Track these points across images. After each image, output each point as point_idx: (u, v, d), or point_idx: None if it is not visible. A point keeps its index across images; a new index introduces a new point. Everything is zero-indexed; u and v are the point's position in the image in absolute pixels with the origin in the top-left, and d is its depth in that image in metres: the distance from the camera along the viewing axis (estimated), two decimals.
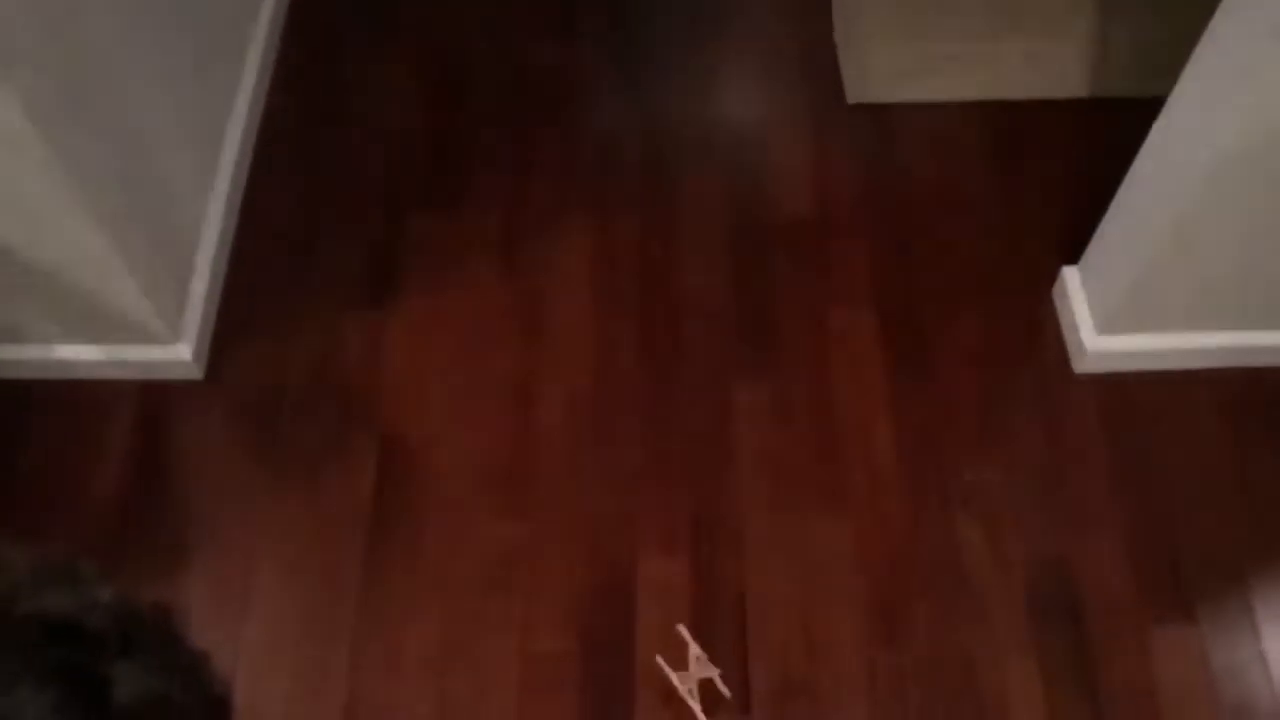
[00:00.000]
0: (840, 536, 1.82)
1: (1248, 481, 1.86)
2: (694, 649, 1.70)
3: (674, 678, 1.68)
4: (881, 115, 2.26)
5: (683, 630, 1.71)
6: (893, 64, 2.31)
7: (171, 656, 0.56)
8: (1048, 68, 2.30)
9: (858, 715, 1.68)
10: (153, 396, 1.97)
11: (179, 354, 1.93)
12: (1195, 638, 1.73)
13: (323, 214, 2.16)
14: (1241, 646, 1.72)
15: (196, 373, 1.97)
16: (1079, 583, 1.78)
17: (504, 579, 1.80)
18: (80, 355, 1.94)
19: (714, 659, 1.70)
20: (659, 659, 1.70)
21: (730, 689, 1.69)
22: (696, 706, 1.65)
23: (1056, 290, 2.03)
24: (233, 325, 2.04)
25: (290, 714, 1.70)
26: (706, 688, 1.68)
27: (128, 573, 1.80)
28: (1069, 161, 2.19)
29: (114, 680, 0.52)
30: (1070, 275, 1.99)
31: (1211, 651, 1.72)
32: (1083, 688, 1.69)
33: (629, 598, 1.78)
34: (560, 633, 1.75)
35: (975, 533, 1.82)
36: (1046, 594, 1.77)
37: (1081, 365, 1.96)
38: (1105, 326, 1.92)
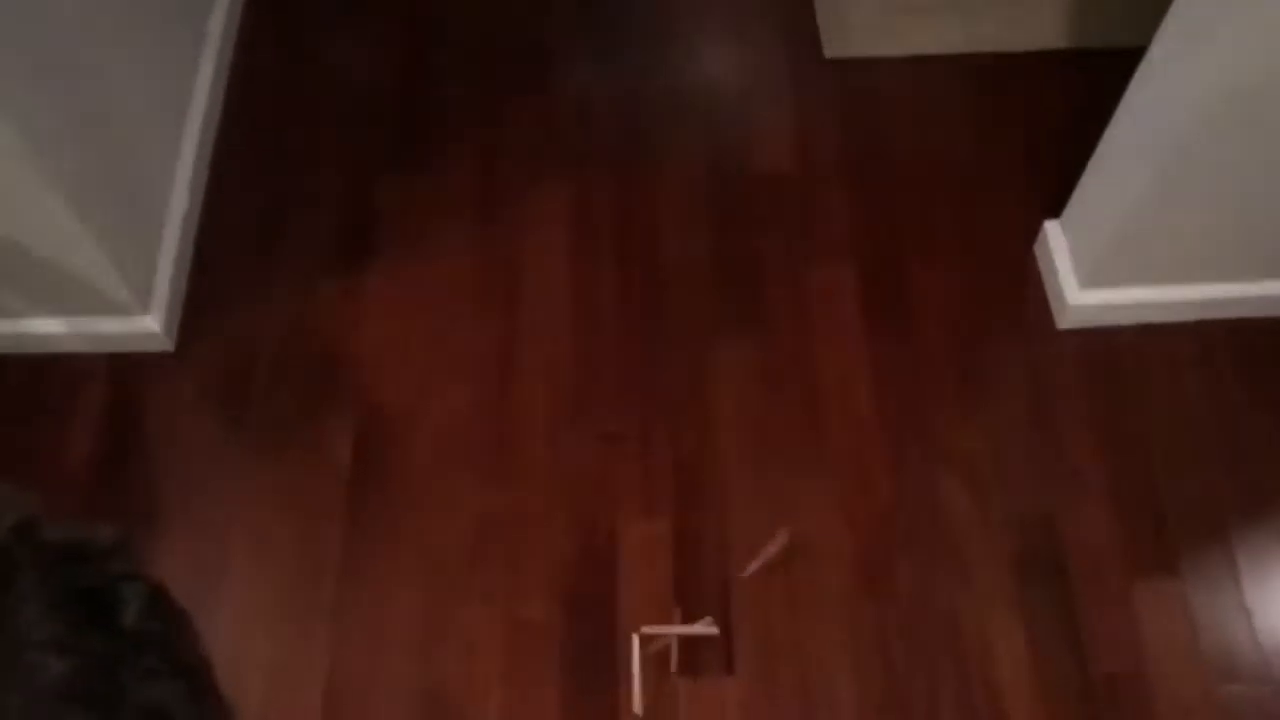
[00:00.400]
0: (823, 495, 1.81)
1: (1231, 435, 1.85)
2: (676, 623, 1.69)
3: (634, 665, 1.67)
4: (860, 70, 2.23)
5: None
6: (871, 17, 2.27)
7: (164, 596, 0.59)
8: (1027, 19, 2.26)
9: (842, 672, 1.67)
10: (123, 370, 1.93)
11: (148, 326, 1.90)
12: (1178, 592, 1.73)
13: (293, 182, 2.12)
14: (1224, 600, 1.72)
15: (167, 345, 1.93)
16: (1062, 538, 1.77)
17: (486, 547, 1.78)
18: (48, 329, 1.90)
19: (696, 621, 1.70)
20: (635, 648, 1.69)
21: (714, 650, 1.69)
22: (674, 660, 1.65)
23: (1038, 245, 2.01)
24: (203, 296, 2.00)
25: (271, 687, 1.68)
26: (691, 647, 1.68)
27: None
28: (1050, 114, 2.16)
29: (123, 601, 0.56)
30: (1052, 229, 1.97)
31: (1194, 605, 1.72)
32: (1066, 642, 1.69)
33: (612, 563, 1.77)
34: (544, 600, 1.74)
35: (958, 489, 1.81)
36: (1030, 549, 1.76)
37: (1064, 320, 1.95)
38: (1088, 280, 1.90)
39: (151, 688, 0.54)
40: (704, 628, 1.68)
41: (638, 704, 1.64)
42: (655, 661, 1.68)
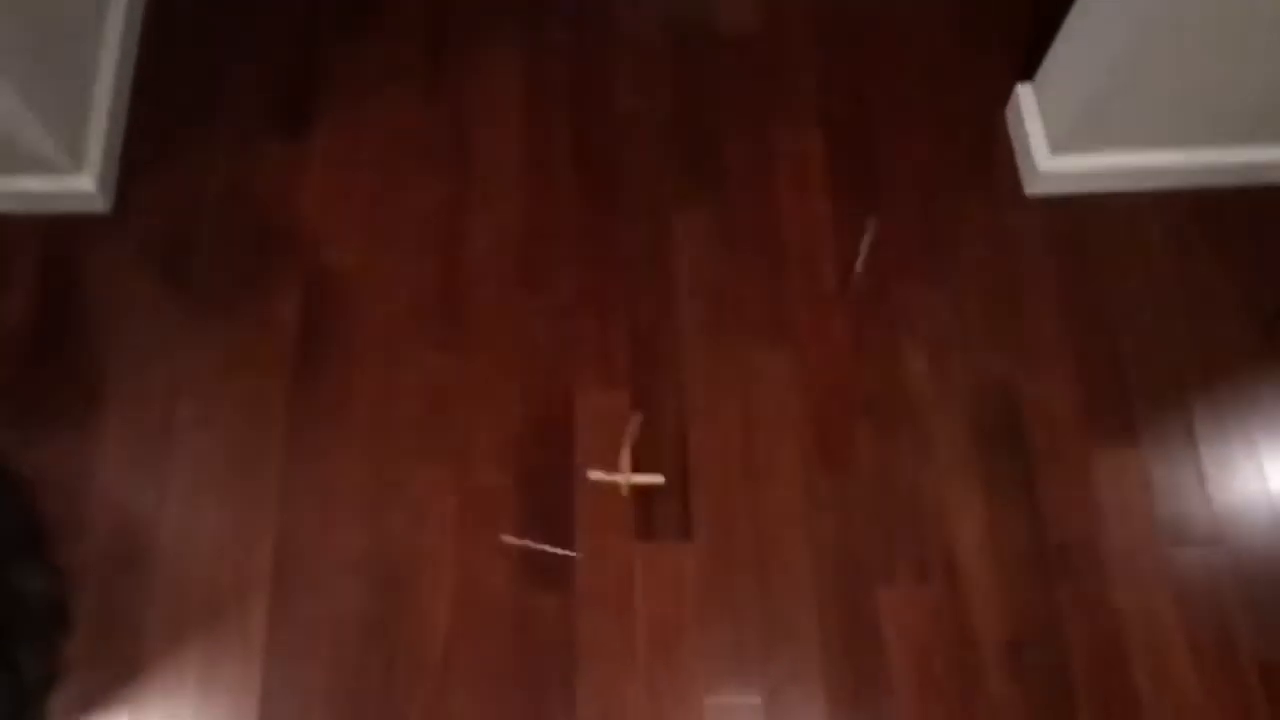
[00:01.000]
0: (782, 363, 1.78)
1: (1195, 305, 1.83)
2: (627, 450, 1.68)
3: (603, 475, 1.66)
4: None
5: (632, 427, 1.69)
6: None
7: None
8: None
9: (798, 538, 1.67)
10: (59, 232, 1.85)
11: (82, 185, 1.81)
12: (1136, 458, 1.72)
13: (232, 38, 2.01)
14: (1181, 467, 1.72)
15: (103, 206, 1.85)
16: (1023, 406, 1.75)
17: (437, 414, 1.74)
18: None
19: (655, 487, 1.68)
20: (593, 473, 1.68)
21: (671, 517, 1.67)
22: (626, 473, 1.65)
23: (1010, 108, 1.95)
24: (140, 156, 1.91)
25: (220, 552, 1.66)
26: (647, 514, 1.66)
27: (42, 416, 1.72)
28: None
29: None
30: (1024, 93, 1.91)
31: (1152, 471, 1.71)
32: (1024, 509, 1.69)
33: (567, 430, 1.74)
34: (497, 467, 1.71)
35: (920, 357, 1.78)
36: (990, 418, 1.75)
37: (1033, 187, 1.90)
38: (1058, 145, 1.85)
39: None
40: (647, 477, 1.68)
41: (513, 537, 1.64)
42: (607, 518, 1.66)
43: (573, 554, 1.64)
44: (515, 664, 1.60)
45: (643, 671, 1.60)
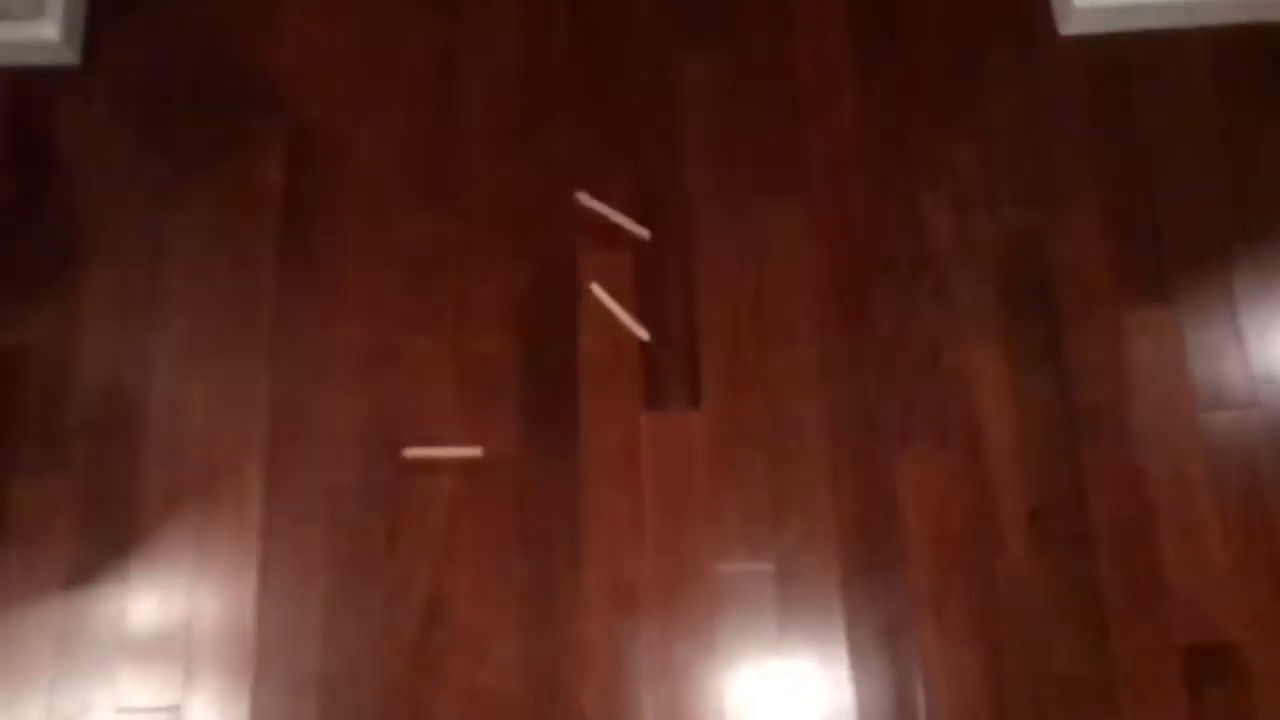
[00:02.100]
0: (797, 217, 1.68)
1: (1240, 153, 1.71)
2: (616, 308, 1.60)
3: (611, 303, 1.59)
4: None
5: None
6: None
7: None
8: None
9: (811, 404, 1.60)
10: (25, 87, 1.74)
11: (45, 33, 1.69)
12: (1170, 317, 1.64)
13: None
14: (1217, 326, 1.63)
15: (70, 56, 1.73)
16: (1052, 262, 1.66)
17: (433, 276, 1.66)
18: None
19: (663, 350, 1.61)
20: (595, 287, 1.61)
21: (679, 384, 1.60)
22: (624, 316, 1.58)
23: None
24: (108, 1, 1.78)
25: (211, 423, 1.60)
26: (656, 381, 1.59)
27: (20, 285, 1.65)
28: None
29: None
30: None
31: (1186, 330, 1.63)
32: (1049, 370, 1.61)
33: (570, 292, 1.65)
34: (498, 331, 1.64)
35: (943, 210, 1.68)
36: (1017, 275, 1.65)
37: (1068, 25, 1.76)
38: None
39: None
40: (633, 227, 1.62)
41: (410, 451, 1.58)
42: (613, 386, 1.60)
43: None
44: (520, 533, 1.55)
45: (651, 540, 1.55)
